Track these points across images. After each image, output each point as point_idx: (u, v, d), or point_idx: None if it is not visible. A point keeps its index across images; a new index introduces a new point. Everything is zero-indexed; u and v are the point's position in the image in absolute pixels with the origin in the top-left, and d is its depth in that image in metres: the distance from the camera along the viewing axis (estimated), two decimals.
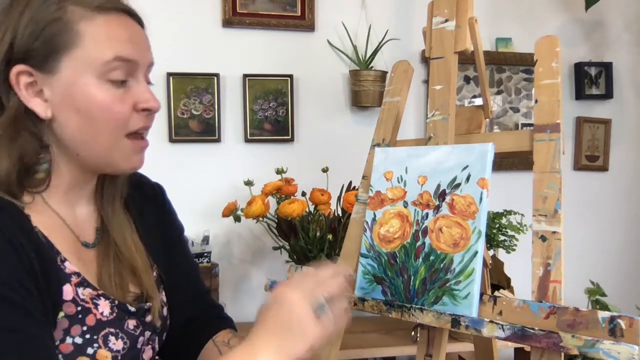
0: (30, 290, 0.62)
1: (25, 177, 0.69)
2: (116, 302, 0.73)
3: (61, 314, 0.66)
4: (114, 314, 0.72)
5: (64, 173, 0.73)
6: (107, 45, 0.68)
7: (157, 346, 0.81)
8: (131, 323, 0.74)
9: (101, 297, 0.71)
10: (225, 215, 1.57)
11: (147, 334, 0.77)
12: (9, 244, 0.61)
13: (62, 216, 0.73)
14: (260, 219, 1.54)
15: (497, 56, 2.01)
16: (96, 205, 0.80)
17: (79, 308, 0.68)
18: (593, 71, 2.12)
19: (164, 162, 1.77)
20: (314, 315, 0.64)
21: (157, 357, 0.84)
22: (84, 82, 0.68)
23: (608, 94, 2.12)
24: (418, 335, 0.91)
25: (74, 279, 0.69)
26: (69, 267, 0.69)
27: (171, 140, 1.78)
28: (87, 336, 0.67)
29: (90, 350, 0.67)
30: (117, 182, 0.81)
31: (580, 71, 2.10)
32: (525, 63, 2.02)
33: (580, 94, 2.11)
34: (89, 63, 0.68)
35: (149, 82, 0.75)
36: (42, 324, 0.63)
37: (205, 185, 1.82)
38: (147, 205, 0.87)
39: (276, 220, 1.56)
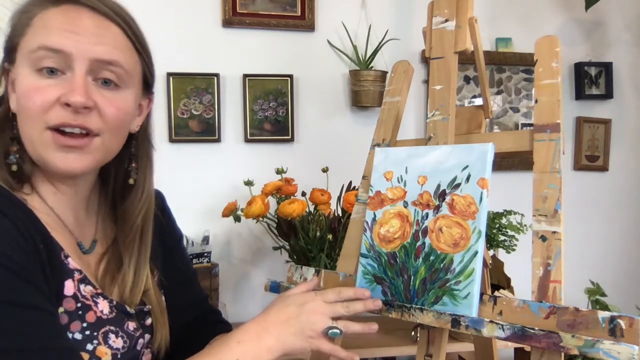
0: (41, 277, 0.63)
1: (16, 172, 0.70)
2: (114, 302, 0.73)
3: (61, 309, 0.66)
4: (114, 314, 0.72)
5: (41, 172, 0.72)
6: (38, 35, 0.67)
7: (156, 350, 0.81)
8: (131, 325, 0.74)
9: (100, 296, 0.71)
10: (225, 215, 1.57)
11: (147, 337, 0.77)
12: (20, 234, 0.62)
13: (61, 217, 0.73)
14: (260, 219, 1.54)
15: (497, 56, 2.01)
16: (95, 215, 0.80)
17: (79, 304, 0.68)
18: (593, 71, 2.12)
19: (164, 162, 1.76)
20: (324, 331, 0.73)
21: None
22: (20, 73, 0.68)
23: (608, 94, 2.12)
24: (418, 335, 0.91)
25: (77, 275, 0.69)
26: (72, 263, 0.69)
27: (171, 140, 1.78)
28: (87, 332, 0.67)
29: (90, 347, 0.67)
30: (135, 209, 0.79)
31: (580, 71, 2.10)
32: (525, 63, 2.02)
33: (580, 94, 2.11)
34: (24, 52, 0.68)
35: (108, 81, 0.70)
36: (54, 307, 0.65)
37: (205, 185, 1.82)
38: None
39: (276, 220, 1.56)
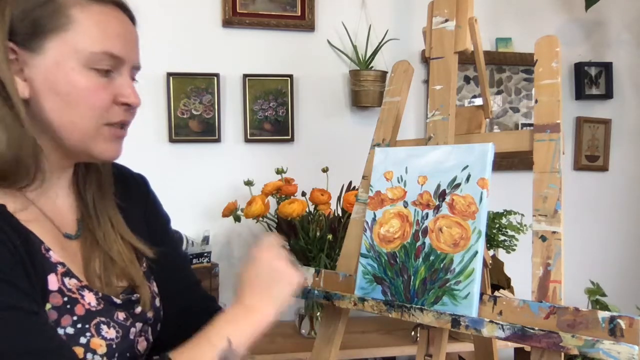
0: (22, 276, 0.62)
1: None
2: (100, 294, 0.72)
3: (48, 305, 0.65)
4: (101, 305, 0.71)
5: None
6: (98, 38, 0.68)
7: (151, 337, 0.80)
8: (120, 315, 0.73)
9: (85, 289, 0.70)
10: (225, 215, 1.57)
11: (139, 325, 0.77)
12: None
13: (39, 207, 0.72)
14: (260, 219, 1.54)
15: (497, 56, 2.01)
16: (76, 197, 0.79)
17: (66, 298, 0.67)
18: (593, 71, 2.12)
19: (164, 162, 1.77)
20: (290, 264, 0.76)
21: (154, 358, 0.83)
22: (69, 67, 0.67)
23: (608, 94, 2.12)
24: (418, 335, 0.91)
25: (60, 269, 0.68)
26: (54, 256, 0.68)
27: (171, 140, 1.78)
28: (79, 325, 0.67)
29: (83, 340, 0.67)
30: (102, 172, 0.80)
31: (580, 71, 2.10)
32: (525, 63, 2.02)
33: (580, 94, 2.11)
34: (76, 50, 0.67)
35: (133, 79, 0.75)
36: (40, 306, 0.63)
37: (205, 185, 1.82)
38: (131, 196, 0.86)
39: (276, 220, 1.56)
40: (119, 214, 0.81)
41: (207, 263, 1.63)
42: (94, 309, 0.70)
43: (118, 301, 0.74)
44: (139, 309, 0.78)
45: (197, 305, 0.92)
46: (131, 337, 0.74)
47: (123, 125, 0.74)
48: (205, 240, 1.70)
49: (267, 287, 0.74)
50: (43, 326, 0.62)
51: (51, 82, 0.68)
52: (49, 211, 0.73)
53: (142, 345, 0.77)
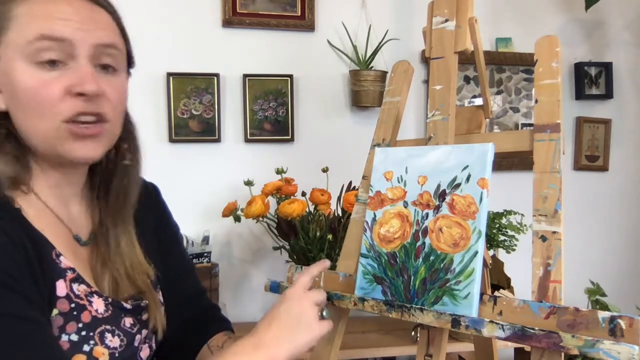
0: (29, 282, 0.61)
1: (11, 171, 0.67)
2: (110, 299, 0.72)
3: (55, 311, 0.65)
4: (109, 312, 0.71)
5: (37, 166, 0.71)
6: (33, 24, 0.65)
7: (154, 345, 0.80)
8: (128, 321, 0.74)
9: (95, 295, 0.70)
10: (225, 215, 1.57)
11: (144, 332, 0.77)
12: (7, 237, 0.61)
13: (55, 212, 0.72)
14: (260, 219, 1.54)
15: (497, 56, 2.01)
16: (90, 204, 0.79)
17: (73, 305, 0.67)
18: (593, 71, 2.12)
19: (164, 162, 1.77)
20: (317, 314, 0.74)
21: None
22: (15, 68, 0.65)
23: (608, 94, 2.12)
24: (418, 335, 0.91)
25: (69, 275, 0.68)
26: (64, 262, 0.68)
27: (171, 140, 1.78)
28: (83, 333, 0.67)
29: (86, 348, 0.66)
30: (124, 183, 0.79)
31: (580, 71, 2.10)
32: (525, 63, 2.02)
33: (580, 94, 2.11)
34: (16, 46, 0.65)
35: (107, 66, 0.70)
36: (45, 314, 0.63)
37: (205, 185, 1.82)
38: (142, 204, 0.85)
39: (276, 220, 1.56)
40: (132, 224, 0.80)
41: (207, 263, 1.63)
42: (100, 316, 0.69)
43: (128, 306, 0.74)
44: (146, 316, 0.78)
45: (202, 315, 0.92)
46: (135, 344, 0.74)
47: (88, 119, 0.68)
48: (205, 240, 1.70)
49: (287, 328, 0.71)
50: (42, 336, 0.61)
51: (8, 89, 0.66)
52: (63, 216, 0.73)
53: (145, 352, 0.77)
